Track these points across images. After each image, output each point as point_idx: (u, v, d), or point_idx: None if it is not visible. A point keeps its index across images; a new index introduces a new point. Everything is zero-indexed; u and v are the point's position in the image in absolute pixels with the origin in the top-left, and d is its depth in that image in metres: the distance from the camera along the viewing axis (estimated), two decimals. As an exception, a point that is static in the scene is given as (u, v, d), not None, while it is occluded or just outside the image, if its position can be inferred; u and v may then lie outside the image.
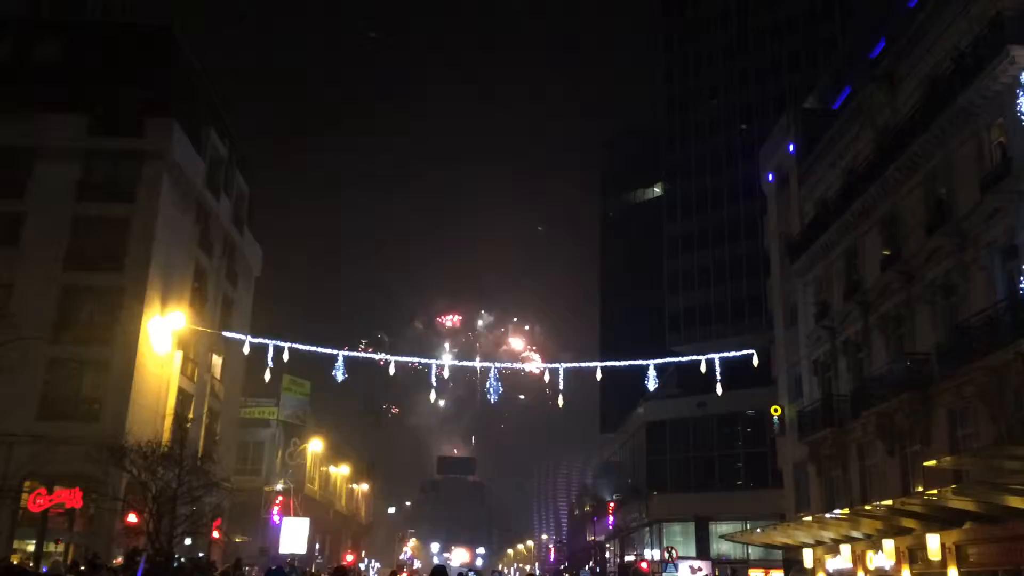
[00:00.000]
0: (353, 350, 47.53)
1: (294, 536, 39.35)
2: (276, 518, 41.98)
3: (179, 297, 35.35)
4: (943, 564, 24.90)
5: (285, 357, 36.48)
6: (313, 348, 40.53)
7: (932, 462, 22.44)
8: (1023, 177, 22.50)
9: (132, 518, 28.88)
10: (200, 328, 35.61)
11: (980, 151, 25.14)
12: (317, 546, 48.40)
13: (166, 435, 33.09)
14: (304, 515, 45.03)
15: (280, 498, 45.36)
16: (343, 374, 41.70)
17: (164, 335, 33.63)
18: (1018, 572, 22.41)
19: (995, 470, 20.63)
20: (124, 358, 31.99)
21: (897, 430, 28.64)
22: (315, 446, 55.82)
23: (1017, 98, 21.81)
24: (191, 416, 36.69)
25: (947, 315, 26.29)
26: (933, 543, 24.68)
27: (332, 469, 61.23)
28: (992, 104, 24.11)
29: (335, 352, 42.69)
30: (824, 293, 36.19)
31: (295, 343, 38.27)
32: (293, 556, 35.19)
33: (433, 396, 34.56)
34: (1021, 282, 21.05)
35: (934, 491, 22.32)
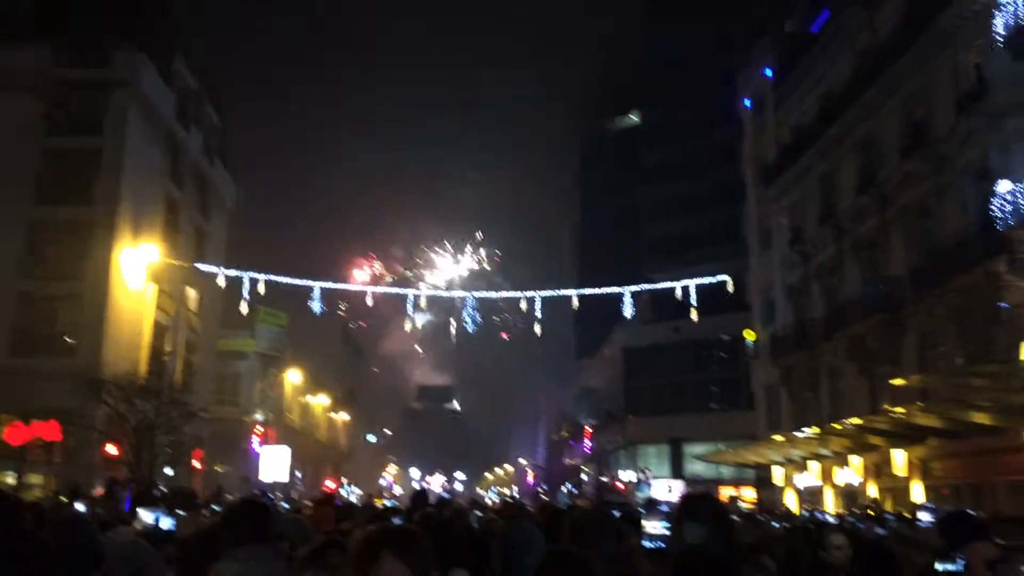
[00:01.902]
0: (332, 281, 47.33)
1: (275, 464, 39.77)
2: (256, 447, 42.39)
3: (151, 230, 34.94)
4: (908, 478, 25.73)
5: (261, 289, 36.34)
6: (288, 279, 40.44)
7: (900, 381, 22.97)
8: (998, 99, 22.51)
9: (111, 449, 29.04)
10: (173, 261, 35.32)
11: (957, 73, 25.08)
12: (299, 474, 49.03)
13: (143, 367, 33.06)
14: (284, 444, 45.48)
15: (260, 427, 45.73)
16: (320, 306, 41.70)
17: (137, 268, 33.33)
18: (979, 485, 23.19)
19: (961, 388, 21.15)
20: (97, 292, 31.72)
21: (868, 352, 29.19)
22: (293, 377, 56.09)
23: (993, 18, 21.65)
24: (168, 349, 36.64)
25: (921, 238, 26.56)
26: (899, 458, 25.47)
27: (311, 399, 61.66)
28: (969, 25, 23.95)
29: (311, 283, 42.64)
30: (798, 218, 36.39)
31: (270, 274, 38.19)
32: (274, 484, 35.64)
33: (409, 326, 34.66)
34: (992, 204, 21.22)
35: (901, 408, 22.91)
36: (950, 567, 3.63)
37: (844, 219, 31.67)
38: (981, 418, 20.82)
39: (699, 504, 3.52)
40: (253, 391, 50.83)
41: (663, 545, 3.70)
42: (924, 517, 4.81)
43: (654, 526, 3.36)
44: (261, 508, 4.07)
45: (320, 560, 3.99)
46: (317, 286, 42.64)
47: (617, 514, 9.00)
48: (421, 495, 10.52)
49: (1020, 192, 20.15)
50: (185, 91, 39.05)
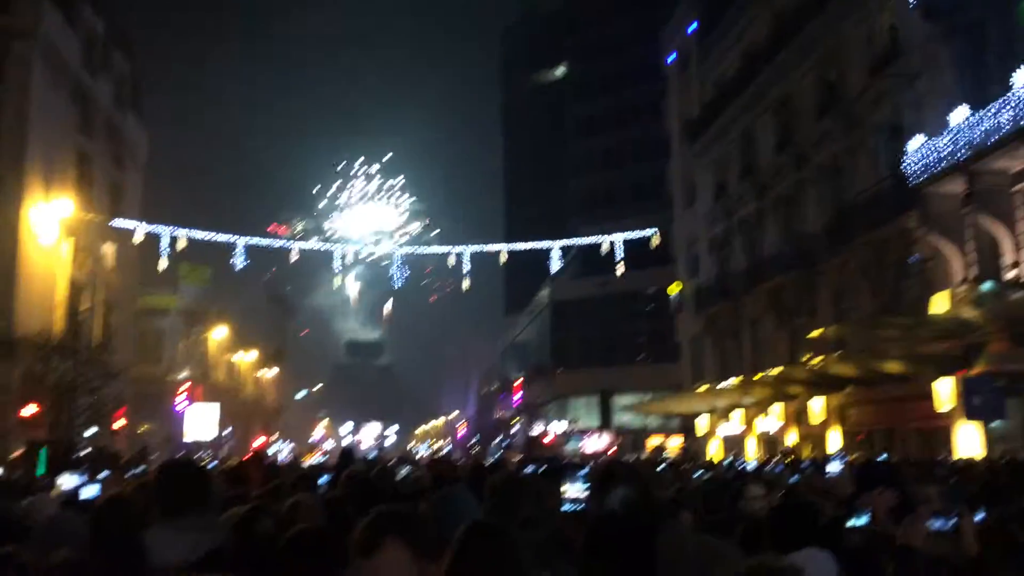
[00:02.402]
0: (254, 236, 46.37)
1: (202, 423, 39.15)
2: (181, 406, 41.64)
3: (62, 184, 33.56)
4: (825, 425, 26.76)
5: (180, 244, 35.44)
6: (210, 234, 39.47)
7: (816, 333, 23.74)
8: (911, 60, 23.07)
9: (30, 409, 28.17)
10: (88, 215, 34.08)
11: (871, 34, 25.60)
12: (229, 430, 48.42)
13: (59, 326, 32.01)
14: (211, 403, 44.78)
15: (187, 385, 44.90)
16: (243, 260, 40.83)
17: (49, 224, 32.06)
18: (891, 430, 24.26)
19: (874, 339, 21.98)
20: (5, 248, 30.45)
21: (786, 304, 30.05)
22: (219, 334, 55.06)
23: (908, -22, 22.03)
24: (84, 307, 35.51)
25: (835, 195, 27.26)
26: (816, 406, 26.43)
27: (238, 356, 60.71)
28: (884, -15, 24.37)
29: (233, 237, 41.71)
30: (721, 174, 36.97)
31: (190, 228, 37.20)
32: (199, 443, 35.06)
33: (337, 282, 34.31)
34: (904, 161, 21.85)
35: (820, 359, 23.71)
36: (856, 521, 3.78)
37: (764, 176, 32.32)
38: (893, 367, 21.72)
39: (618, 469, 3.58)
40: (177, 349, 49.77)
41: (584, 507, 3.76)
42: (834, 467, 5.05)
43: (575, 488, 3.40)
44: (197, 471, 3.98)
45: (249, 528, 3.91)
46: (240, 241, 41.78)
47: (542, 470, 9.14)
48: (347, 453, 10.52)
49: (932, 148, 20.77)
50: (92, 37, 37.34)
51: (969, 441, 18.66)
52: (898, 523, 3.42)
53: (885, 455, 18.09)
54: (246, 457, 19.09)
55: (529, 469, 9.33)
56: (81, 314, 34.85)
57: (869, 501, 4.23)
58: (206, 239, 37.90)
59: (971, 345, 19.51)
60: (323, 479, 9.53)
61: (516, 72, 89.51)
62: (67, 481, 9.13)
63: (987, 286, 17.93)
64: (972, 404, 14.36)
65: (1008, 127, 18.04)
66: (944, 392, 19.29)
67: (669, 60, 43.93)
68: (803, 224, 29.17)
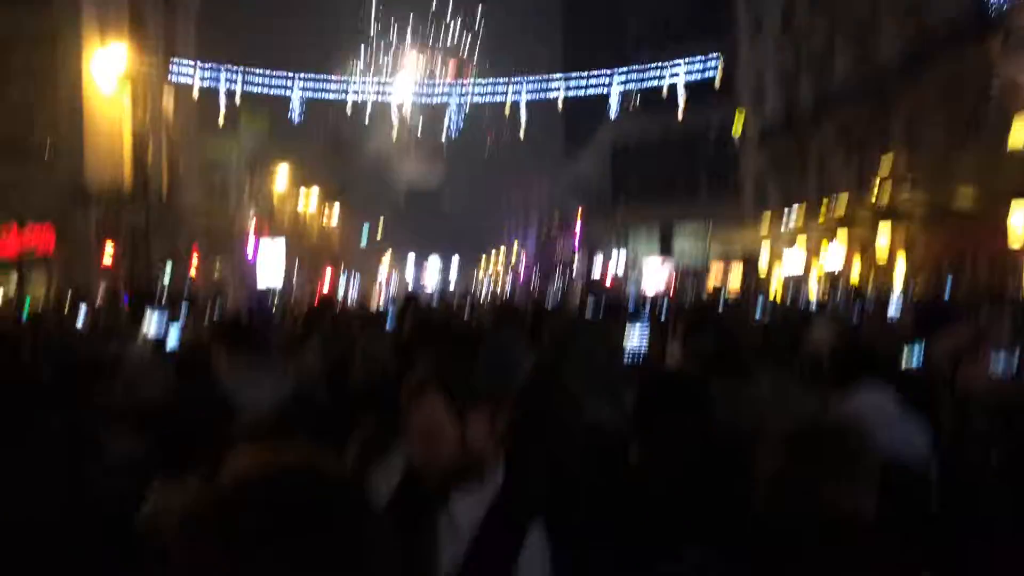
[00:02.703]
0: (308, 81, 45.95)
1: (270, 262, 40.11)
2: (250, 248, 42.70)
3: (117, 32, 33.39)
4: (891, 258, 26.33)
5: (238, 94, 35.42)
6: (266, 71, 39.35)
7: (887, 163, 23.00)
8: None
9: (107, 258, 29.32)
10: (146, 62, 34.06)
11: None
12: (295, 275, 49.80)
13: (127, 175, 32.76)
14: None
15: (254, 223, 46.12)
16: (301, 111, 40.82)
17: (108, 73, 32.20)
18: (960, 263, 23.83)
19: (945, 169, 21.23)
20: (72, 98, 30.83)
21: (856, 136, 29.01)
22: (281, 178, 55.76)
23: None
24: (150, 156, 36.11)
25: (912, 20, 25.61)
26: (883, 239, 25.94)
27: (302, 199, 61.69)
28: None
29: (289, 76, 41.44)
30: (790, 3, 34.89)
31: (248, 68, 37.08)
32: (270, 289, 36.06)
33: (395, 133, 34.12)
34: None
35: (886, 192, 23.10)
36: (914, 362, 3.78)
37: (836, 3, 30.45)
38: (965, 199, 21.06)
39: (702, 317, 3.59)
40: (243, 194, 50.71)
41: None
42: (895, 308, 4.97)
43: (637, 335, 3.42)
44: (259, 324, 4.13)
45: (319, 321, 4.10)
46: (297, 85, 41.64)
47: (601, 306, 9.29)
48: (411, 297, 10.75)
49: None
50: None
51: (1041, 274, 18.25)
52: (959, 360, 3.42)
53: (949, 290, 17.84)
54: (316, 301, 19.79)
55: (590, 309, 9.49)
56: (149, 165, 35.51)
57: (930, 342, 4.22)
58: (263, 82, 37.80)
59: (1049, 175, 18.77)
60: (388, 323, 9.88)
61: None
62: (150, 325, 9.54)
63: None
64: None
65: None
66: (1019, 223, 18.72)
67: None
68: (876, 53, 27.66)
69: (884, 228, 25.63)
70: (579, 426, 2.85)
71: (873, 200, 24.62)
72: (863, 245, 28.04)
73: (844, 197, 25.90)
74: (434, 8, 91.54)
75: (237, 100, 32.93)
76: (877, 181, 25.42)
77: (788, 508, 1.89)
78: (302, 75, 33.13)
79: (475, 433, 2.11)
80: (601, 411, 3.09)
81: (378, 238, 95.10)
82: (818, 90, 31.80)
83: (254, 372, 3.60)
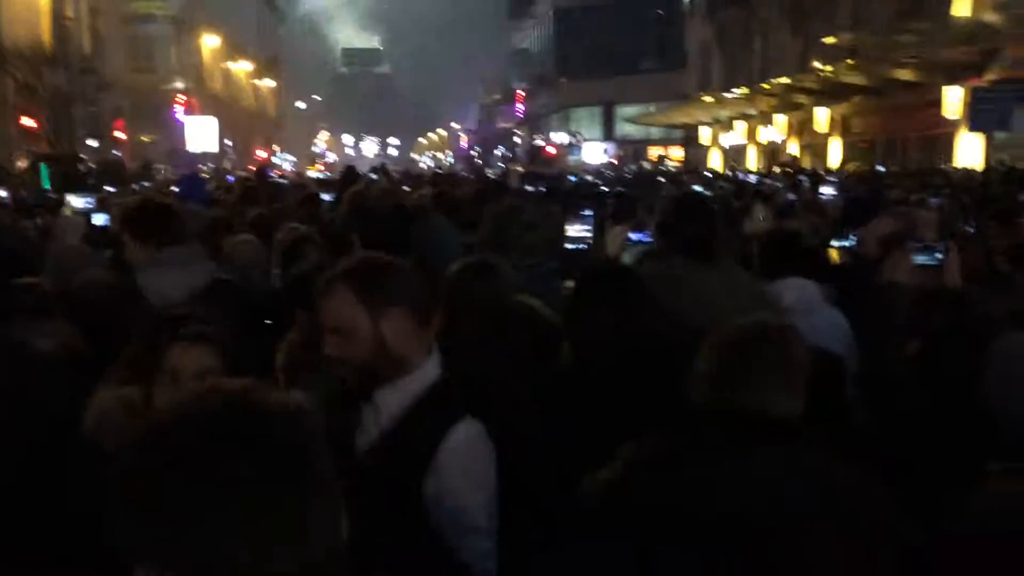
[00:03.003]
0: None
1: (202, 135, 38.91)
2: (180, 116, 41.15)
3: None
4: (828, 135, 26.63)
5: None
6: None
7: (832, 39, 22.86)
8: None
9: (28, 122, 27.96)
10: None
11: None
12: (228, 143, 48.31)
13: (46, 35, 30.87)
14: (209, 114, 44.20)
15: (182, 96, 44.10)
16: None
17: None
18: (893, 140, 24.19)
19: (889, 44, 21.18)
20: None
21: (803, 8, 28.63)
22: (211, 41, 53.20)
23: None
24: (69, 14, 33.99)
25: None
26: (821, 116, 26.13)
27: (232, 65, 59.10)
28: None
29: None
30: None
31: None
32: (203, 154, 35.07)
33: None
34: None
35: (829, 67, 23.05)
36: (844, 243, 3.84)
37: None
38: (905, 74, 21.13)
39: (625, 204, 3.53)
40: (170, 58, 48.34)
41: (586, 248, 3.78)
42: (828, 190, 5.01)
43: (578, 227, 3.38)
44: (168, 206, 3.88)
45: (299, 254, 3.95)
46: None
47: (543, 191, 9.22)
48: (351, 172, 10.51)
49: None
50: None
51: (971, 150, 18.62)
52: (886, 252, 3.49)
53: (882, 166, 18.16)
54: (251, 171, 19.21)
55: (530, 190, 9.41)
56: (68, 21, 33.43)
57: (861, 229, 4.29)
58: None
59: (988, 51, 18.85)
60: (326, 196, 9.65)
61: None
62: (76, 200, 9.12)
63: (1015, -13, 16.94)
64: (978, 113, 14.11)
65: None
66: (953, 100, 18.95)
67: None
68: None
69: (821, 107, 25.77)
70: (513, 320, 2.82)
71: (813, 77, 24.60)
72: (801, 122, 28.21)
73: (785, 79, 25.83)
74: None
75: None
76: (818, 60, 25.32)
77: (716, 407, 1.92)
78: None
79: (394, 329, 2.07)
80: (536, 305, 3.07)
81: (315, 110, 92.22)
82: (767, -42, 31.10)
83: (165, 260, 3.43)
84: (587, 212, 3.82)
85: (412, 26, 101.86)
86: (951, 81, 19.26)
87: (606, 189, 10.22)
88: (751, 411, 1.87)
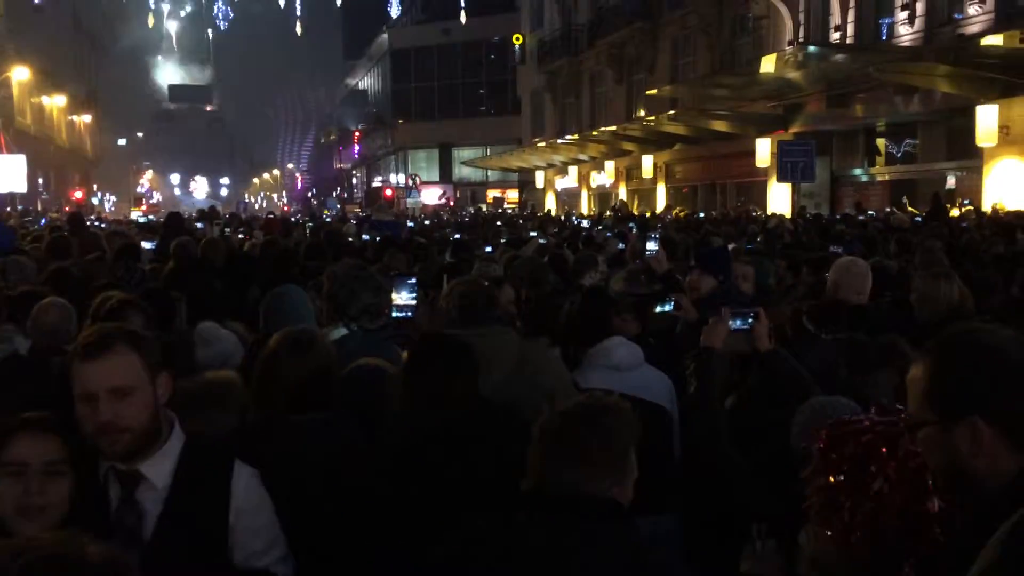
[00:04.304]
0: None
1: (10, 174, 36.17)
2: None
3: None
4: (654, 180, 28.04)
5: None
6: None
7: (653, 91, 24.17)
8: None
9: None
10: None
11: None
12: (40, 182, 45.15)
13: None
14: (18, 152, 41.23)
15: (-12, 135, 40.94)
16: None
17: None
18: (713, 185, 25.75)
19: (705, 97, 22.64)
20: None
21: (627, 59, 30.14)
22: (20, 74, 49.81)
23: None
24: None
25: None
26: (647, 163, 27.49)
27: (46, 100, 55.54)
28: None
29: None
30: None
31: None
32: (10, 195, 32.54)
33: (152, 21, 31.33)
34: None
35: (651, 117, 24.34)
36: (665, 308, 4.03)
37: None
38: (720, 125, 22.64)
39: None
40: (-28, 93, 44.86)
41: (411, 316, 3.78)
42: (651, 245, 5.23)
43: (403, 295, 3.36)
44: None
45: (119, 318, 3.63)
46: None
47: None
48: (175, 218, 10.04)
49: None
50: None
51: (780, 197, 20.08)
52: (706, 311, 3.68)
53: (703, 212, 19.24)
54: (65, 215, 17.86)
55: (365, 238, 9.31)
56: None
57: (682, 288, 4.53)
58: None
59: (791, 106, 20.56)
60: (147, 245, 9.11)
61: None
62: None
63: (812, 49, 18.53)
64: (784, 165, 15.30)
65: None
66: (763, 151, 20.41)
67: None
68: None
69: (647, 155, 27.17)
70: (338, 387, 2.79)
71: (638, 126, 25.93)
72: (629, 168, 29.58)
73: (613, 127, 27.09)
74: None
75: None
76: (642, 109, 26.75)
77: (544, 488, 1.97)
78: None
79: (164, 393, 2.06)
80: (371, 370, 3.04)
81: (139, 147, 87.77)
82: (593, 11, 32.57)
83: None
84: (411, 281, 3.83)
85: (243, 63, 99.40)
86: (761, 133, 20.81)
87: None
88: (571, 494, 1.95)
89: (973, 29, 16.17)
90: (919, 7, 17.77)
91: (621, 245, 8.60)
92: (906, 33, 18.05)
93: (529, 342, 3.46)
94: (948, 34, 17.03)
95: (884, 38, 18.99)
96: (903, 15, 18.15)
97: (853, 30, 19.68)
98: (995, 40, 14.11)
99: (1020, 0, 15.88)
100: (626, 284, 4.72)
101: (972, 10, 16.49)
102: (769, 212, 18.45)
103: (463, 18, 38.00)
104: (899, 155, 20.32)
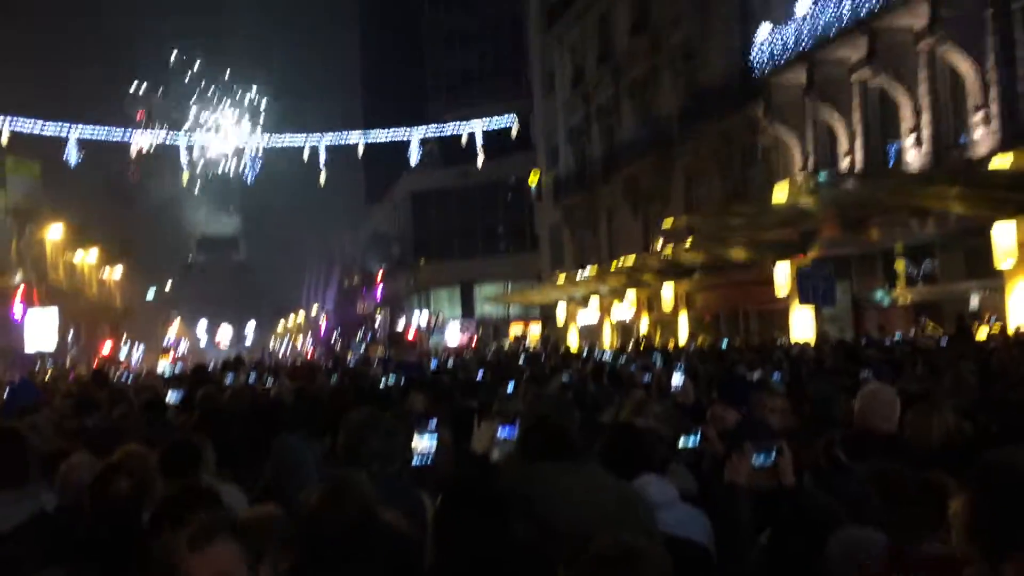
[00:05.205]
0: (88, 127, 43.04)
1: (41, 329, 36.92)
2: (18, 312, 39.02)
3: None
4: (675, 310, 28.06)
5: (3, 139, 32.60)
6: (38, 123, 36.44)
7: (669, 222, 24.58)
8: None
9: None
10: None
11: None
12: (71, 336, 45.97)
13: None
14: (50, 305, 42.19)
15: (22, 289, 42.08)
16: (78, 155, 38.06)
17: None
18: (735, 314, 25.73)
19: (720, 226, 22.96)
20: None
21: (641, 192, 30.80)
22: (55, 232, 51.60)
23: None
24: None
25: (689, 81, 27.64)
26: (667, 293, 27.61)
27: (79, 256, 57.27)
28: None
29: (65, 128, 38.58)
30: (579, 59, 36.82)
31: (16, 115, 34.19)
32: (41, 354, 33.11)
33: (186, 178, 32.66)
34: (753, 50, 22.38)
35: (670, 247, 24.65)
36: (688, 443, 3.98)
37: (621, 60, 32.38)
38: (737, 254, 22.84)
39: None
40: (9, 252, 46.41)
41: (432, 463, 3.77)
42: (676, 379, 5.26)
43: (424, 441, 3.36)
44: (12, 440, 3.64)
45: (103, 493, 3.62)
46: (73, 134, 38.81)
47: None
48: (201, 370, 10.18)
49: (778, 37, 21.34)
50: None
51: (803, 323, 20.02)
52: (731, 445, 3.62)
53: (726, 344, 19.16)
54: (93, 367, 18.21)
55: (391, 380, 9.34)
56: None
57: (705, 422, 4.47)
58: (34, 131, 35.13)
59: (807, 232, 20.73)
60: (173, 396, 9.18)
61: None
62: None
63: (822, 176, 18.91)
64: (805, 290, 15.35)
65: (848, 18, 18.77)
66: (782, 277, 20.50)
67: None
68: (658, 110, 29.57)
69: (667, 284, 27.31)
70: (375, 540, 2.75)
71: (656, 257, 26.22)
72: (649, 299, 29.71)
73: (631, 258, 27.42)
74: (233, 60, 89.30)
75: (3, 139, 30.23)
76: (659, 238, 27.11)
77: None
78: (79, 126, 30.93)
79: None
80: (397, 521, 3.02)
81: (166, 298, 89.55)
82: (607, 146, 33.58)
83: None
84: (431, 424, 3.83)
85: (269, 211, 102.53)
86: (779, 259, 20.93)
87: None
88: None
89: (981, 150, 16.47)
90: (925, 131, 18.17)
91: (647, 378, 8.57)
92: (914, 157, 18.39)
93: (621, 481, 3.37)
94: (956, 156, 17.32)
95: (893, 162, 19.34)
96: (910, 139, 18.52)
97: (862, 155, 20.08)
98: (1004, 160, 14.35)
99: (1024, 121, 16.21)
100: (656, 421, 4.67)
101: (978, 132, 16.80)
102: (792, 339, 18.36)
103: (480, 160, 39.16)
104: (919, 276, 20.28)
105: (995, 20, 16.32)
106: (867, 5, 18.04)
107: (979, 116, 16.63)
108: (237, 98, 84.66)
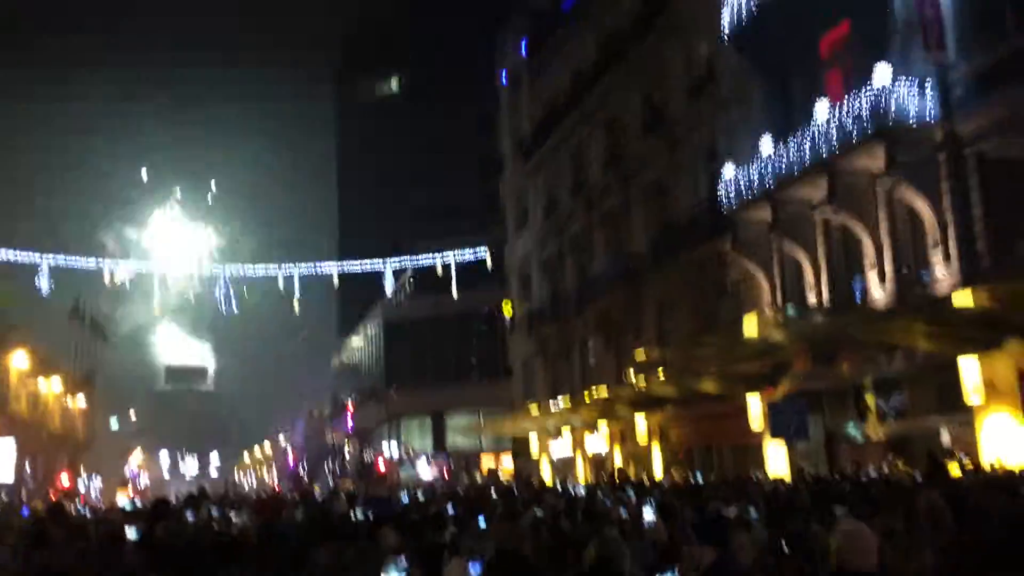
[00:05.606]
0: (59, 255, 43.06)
1: (-2, 462, 35.77)
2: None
3: None
4: (649, 444, 27.80)
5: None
6: (10, 252, 36.39)
7: (641, 353, 24.67)
8: (723, 88, 24.44)
9: None
10: None
11: (689, 60, 26.93)
12: (28, 469, 44.45)
13: None
14: (8, 436, 40.99)
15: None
16: (50, 284, 37.93)
17: None
18: (708, 448, 25.47)
19: (691, 358, 23.07)
20: None
21: (614, 323, 30.99)
22: (19, 360, 50.72)
23: (720, 13, 23.16)
24: None
25: (659, 215, 28.34)
26: (640, 426, 27.43)
27: (42, 384, 56.09)
28: (701, 16, 25.53)
29: (38, 257, 38.57)
30: (553, 193, 37.68)
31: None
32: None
33: (157, 308, 32.52)
34: (719, 186, 23.11)
35: (642, 381, 24.64)
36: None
37: (593, 193, 33.22)
38: (709, 386, 22.85)
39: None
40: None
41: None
42: (648, 515, 5.17)
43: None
44: None
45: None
46: (45, 263, 38.80)
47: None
48: (163, 504, 9.84)
49: (743, 175, 22.09)
50: None
51: (777, 458, 19.85)
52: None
53: (700, 476, 18.94)
54: (49, 504, 17.48)
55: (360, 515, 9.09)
56: None
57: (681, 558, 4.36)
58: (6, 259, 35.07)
59: (778, 364, 20.84)
60: (134, 534, 8.86)
61: (350, 85, 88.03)
62: None
63: (790, 310, 19.17)
64: (777, 425, 15.32)
65: (809, 158, 19.50)
66: (755, 411, 20.45)
67: (503, 78, 44.44)
68: (629, 243, 30.13)
69: (640, 416, 27.16)
70: None
71: (629, 389, 26.17)
72: (623, 431, 29.45)
73: (603, 390, 27.36)
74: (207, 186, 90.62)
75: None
76: (631, 370, 27.11)
77: None
78: (50, 256, 30.98)
79: None
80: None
81: (132, 428, 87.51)
82: (580, 278, 33.98)
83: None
84: (400, 561, 3.73)
85: (238, 342, 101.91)
86: (750, 392, 20.94)
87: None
88: None
89: (943, 287, 16.85)
90: (888, 268, 18.59)
91: (625, 513, 8.41)
92: (879, 292, 18.76)
93: None
94: (919, 292, 17.68)
95: (858, 298, 19.69)
96: (873, 274, 18.92)
97: (827, 290, 20.44)
98: (964, 298, 14.66)
99: (984, 261, 16.66)
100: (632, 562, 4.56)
101: (938, 270, 17.22)
102: (770, 475, 18.17)
103: (454, 293, 39.48)
104: (890, 411, 20.34)
105: (948, 163, 17.02)
106: (827, 147, 18.78)
107: (938, 254, 17.09)
108: (214, 230, 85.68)
